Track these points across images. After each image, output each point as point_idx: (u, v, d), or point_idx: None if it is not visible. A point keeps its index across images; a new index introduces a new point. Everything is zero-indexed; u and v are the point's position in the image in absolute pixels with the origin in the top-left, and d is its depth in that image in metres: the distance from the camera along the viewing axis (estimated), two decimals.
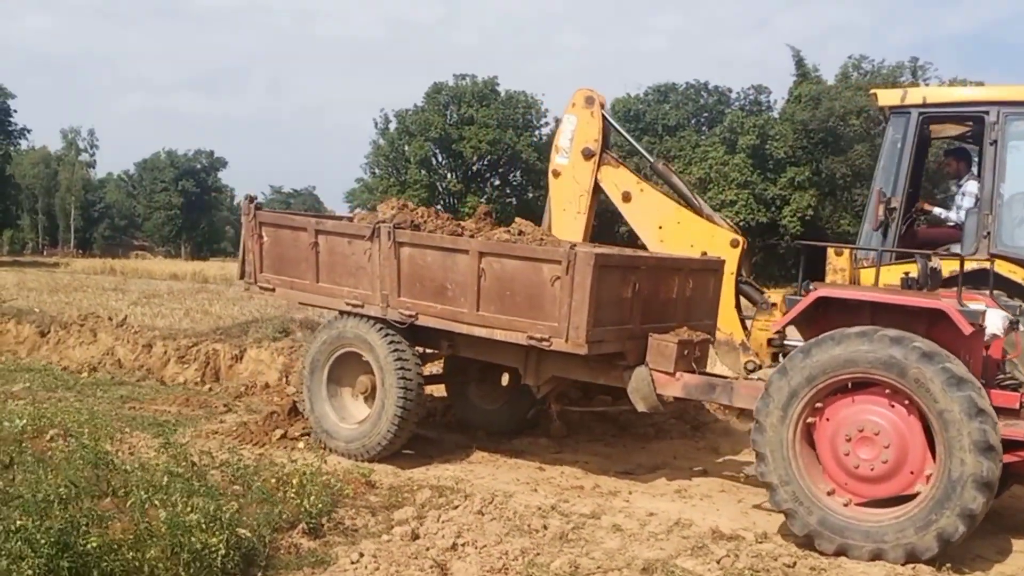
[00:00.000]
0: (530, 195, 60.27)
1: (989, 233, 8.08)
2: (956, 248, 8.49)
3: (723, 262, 8.35)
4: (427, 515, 6.16)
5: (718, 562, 5.55)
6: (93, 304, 18.75)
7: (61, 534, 4.55)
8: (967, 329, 5.58)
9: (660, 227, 8.90)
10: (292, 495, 5.81)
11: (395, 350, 7.66)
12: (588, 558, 5.56)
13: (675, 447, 8.91)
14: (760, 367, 8.10)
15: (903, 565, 5.55)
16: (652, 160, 9.48)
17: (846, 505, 5.85)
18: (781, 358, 6.52)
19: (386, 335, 7.71)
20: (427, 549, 5.51)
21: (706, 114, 64.53)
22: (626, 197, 8.99)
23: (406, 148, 59.75)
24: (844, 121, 48.28)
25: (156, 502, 5.31)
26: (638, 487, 7.47)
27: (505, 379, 9.02)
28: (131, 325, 13.77)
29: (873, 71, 52.40)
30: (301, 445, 8.18)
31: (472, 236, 7.44)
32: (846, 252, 8.06)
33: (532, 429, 9.09)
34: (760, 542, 6.05)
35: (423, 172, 58.29)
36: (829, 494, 5.91)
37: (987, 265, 7.45)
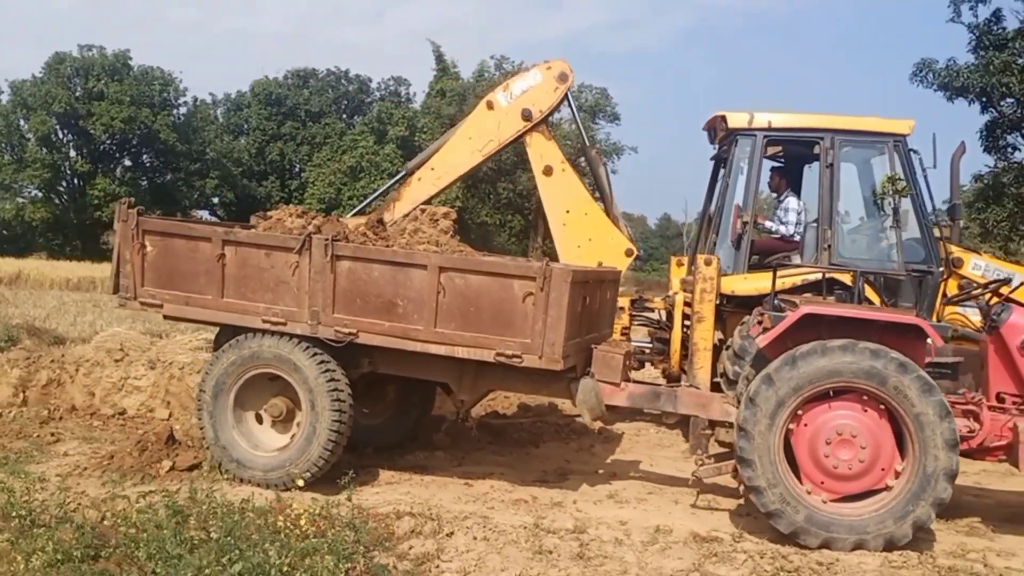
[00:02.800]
0: (167, 177, 56.87)
1: (829, 246, 9.17)
2: (796, 259, 9.54)
3: (620, 273, 8.71)
4: (445, 547, 5.91)
5: (744, 565, 5.93)
6: None
7: None
8: (940, 341, 6.41)
9: (567, 211, 9.10)
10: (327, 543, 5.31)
11: (326, 370, 7.18)
12: None
13: (559, 451, 9.16)
14: None
15: (881, 552, 6.28)
16: (588, 145, 9.56)
17: (824, 503, 6.47)
18: None
19: (314, 355, 7.19)
20: None
21: (346, 102, 64.66)
22: (547, 171, 9.09)
23: (23, 123, 53.86)
24: None
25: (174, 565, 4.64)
26: (571, 496, 7.60)
27: (390, 393, 8.75)
28: None
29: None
30: (195, 476, 7.41)
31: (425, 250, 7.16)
32: (714, 261, 8.82)
33: (412, 442, 8.89)
34: (738, 541, 6.51)
35: (44, 150, 52.75)
36: (808, 493, 6.49)
37: (833, 275, 8.46)
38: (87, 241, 51.39)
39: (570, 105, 9.59)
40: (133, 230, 7.43)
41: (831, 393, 6.47)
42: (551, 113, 9.23)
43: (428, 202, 9.16)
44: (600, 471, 8.48)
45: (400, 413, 8.80)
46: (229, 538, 5.06)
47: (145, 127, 52.68)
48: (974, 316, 8.83)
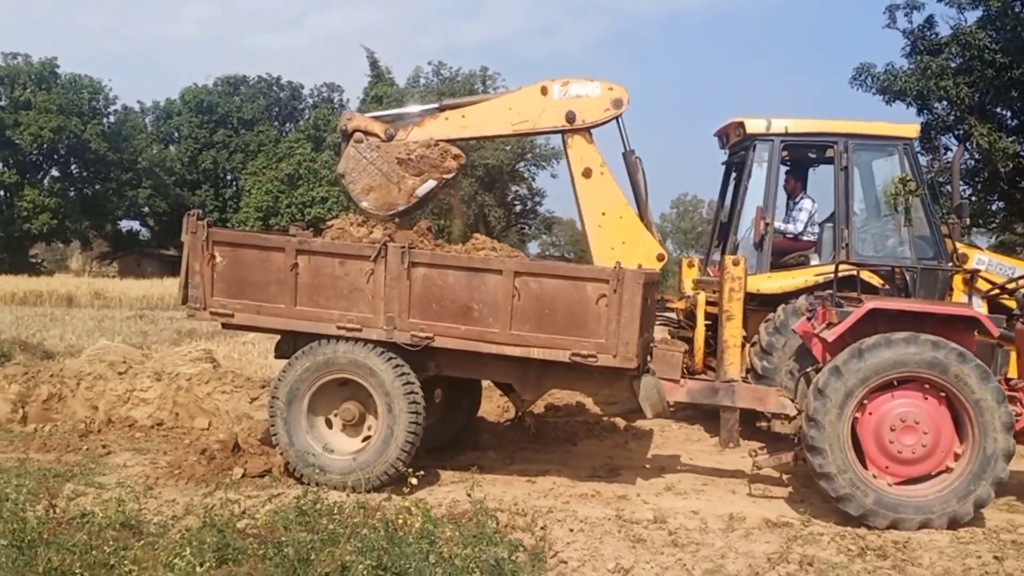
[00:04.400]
0: (97, 187, 55.65)
1: (847, 245, 9.67)
2: (814, 258, 10.02)
3: (658, 276, 9.06)
4: (546, 539, 6.15)
5: (830, 545, 6.31)
6: None
7: None
8: (995, 332, 6.91)
9: (604, 214, 9.35)
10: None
11: (402, 374, 7.38)
12: (732, 561, 6.00)
13: (597, 448, 9.47)
14: None
15: (946, 530, 6.73)
16: (629, 150, 9.76)
17: (890, 486, 6.91)
18: None
19: (390, 359, 7.38)
20: None
21: (278, 109, 64.16)
22: (587, 173, 9.30)
23: None
24: None
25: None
26: (631, 489, 7.91)
27: (438, 395, 8.94)
28: None
29: (451, 77, 55.45)
30: (267, 481, 7.54)
31: (507, 256, 7.40)
32: (742, 261, 9.23)
33: (458, 444, 9.11)
34: (807, 525, 6.90)
35: None
36: (874, 477, 6.92)
37: (851, 272, 8.93)
38: (15, 254, 49.99)
39: (620, 130, 9.76)
40: (203, 242, 7.51)
41: (895, 383, 6.91)
42: (593, 127, 9.47)
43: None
44: (647, 466, 8.81)
45: (449, 415, 9.00)
46: (371, 537, 5.22)
47: (74, 136, 51.58)
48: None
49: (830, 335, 7.04)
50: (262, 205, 50.96)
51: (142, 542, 5.41)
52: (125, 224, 60.41)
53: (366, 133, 8.84)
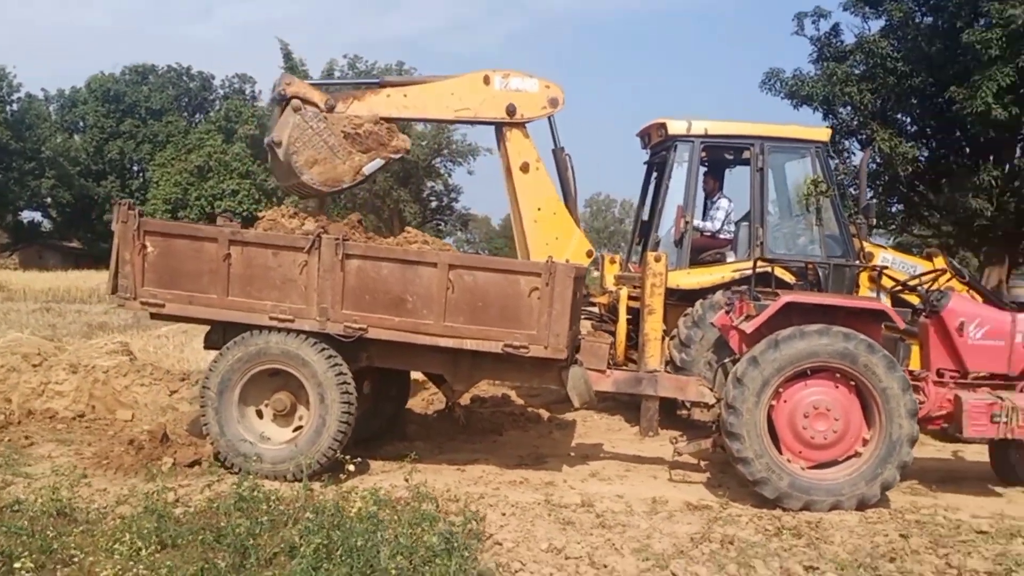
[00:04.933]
0: None
1: (762, 243, 10.09)
2: (730, 255, 10.42)
3: (585, 271, 9.32)
4: (488, 523, 6.34)
5: (749, 525, 6.66)
6: None
7: None
8: (902, 324, 7.34)
9: (539, 209, 9.53)
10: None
11: (335, 364, 7.49)
12: (658, 541, 6.29)
13: (522, 438, 9.70)
14: None
15: (855, 511, 7.14)
16: (560, 146, 9.90)
17: (803, 470, 7.29)
18: None
19: (323, 350, 7.49)
20: (565, 558, 5.81)
21: (188, 99, 62.89)
22: (524, 168, 9.46)
23: None
24: None
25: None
26: (558, 476, 8.17)
27: (367, 387, 9.05)
28: None
29: (367, 71, 55.06)
30: (197, 472, 7.57)
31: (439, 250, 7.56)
32: (663, 258, 9.57)
33: (386, 435, 9.23)
34: (725, 508, 7.25)
35: None
36: (789, 462, 7.29)
37: (766, 268, 9.34)
38: None
39: (552, 127, 9.94)
40: (134, 231, 7.49)
41: (808, 372, 7.29)
42: (530, 122, 9.63)
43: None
44: (572, 454, 9.07)
45: (377, 406, 9.12)
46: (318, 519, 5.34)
47: None
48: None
49: (748, 327, 7.39)
50: (170, 197, 49.84)
51: (81, 528, 5.43)
52: (26, 215, 58.55)
53: (304, 101, 8.74)
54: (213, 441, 7.59)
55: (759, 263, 8.75)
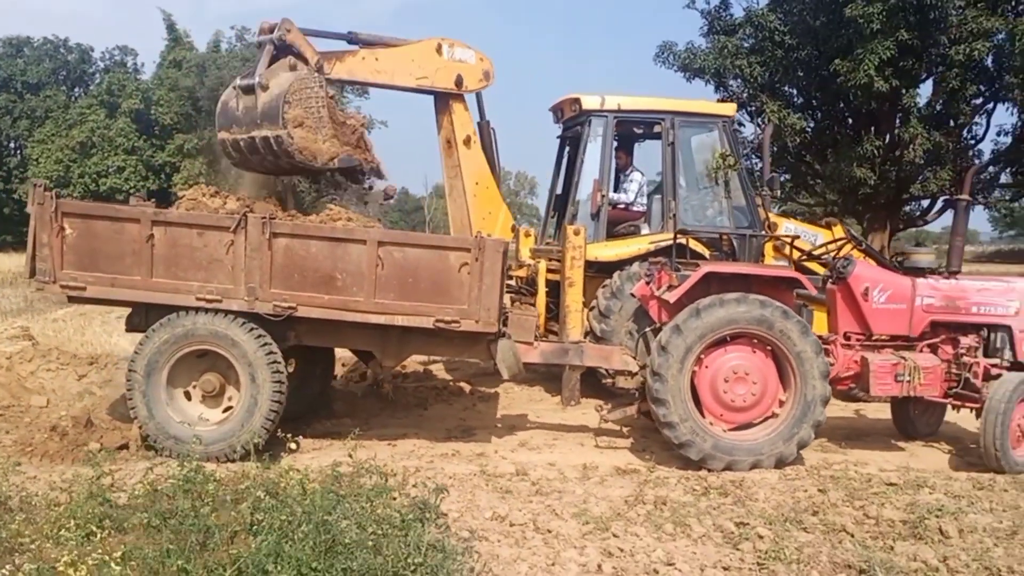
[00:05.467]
0: None
1: (675, 215, 10.40)
2: (644, 227, 10.71)
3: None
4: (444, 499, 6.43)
5: (678, 486, 6.95)
6: None
7: None
8: (813, 291, 7.72)
9: (476, 183, 9.61)
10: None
11: (264, 344, 7.48)
12: (595, 505, 6.51)
13: (448, 412, 9.83)
14: None
15: (774, 469, 7.52)
16: (485, 120, 9.89)
17: (724, 432, 7.63)
18: None
19: (251, 329, 7.46)
20: (510, 524, 5.98)
21: (66, 72, 60.27)
22: (467, 142, 9.54)
23: None
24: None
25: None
26: (488, 447, 8.33)
27: (292, 364, 9.02)
28: None
29: (255, 43, 53.63)
30: (126, 455, 7.47)
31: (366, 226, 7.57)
32: (583, 231, 9.79)
33: (312, 413, 9.23)
34: (652, 471, 7.55)
35: None
36: (711, 425, 7.62)
37: (682, 240, 9.66)
38: None
39: (479, 103, 9.97)
40: (51, 213, 7.30)
41: (727, 339, 7.61)
42: (468, 94, 9.65)
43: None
44: (498, 425, 9.25)
45: (303, 384, 9.09)
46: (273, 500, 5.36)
47: None
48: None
49: (671, 296, 7.65)
50: (52, 175, 47.70)
51: (22, 517, 5.33)
52: None
53: (298, 55, 8.35)
54: (142, 424, 7.49)
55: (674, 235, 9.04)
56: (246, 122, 8.20)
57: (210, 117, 49.40)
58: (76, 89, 58.35)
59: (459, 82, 9.48)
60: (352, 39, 9.26)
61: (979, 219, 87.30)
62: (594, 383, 10.25)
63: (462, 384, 10.91)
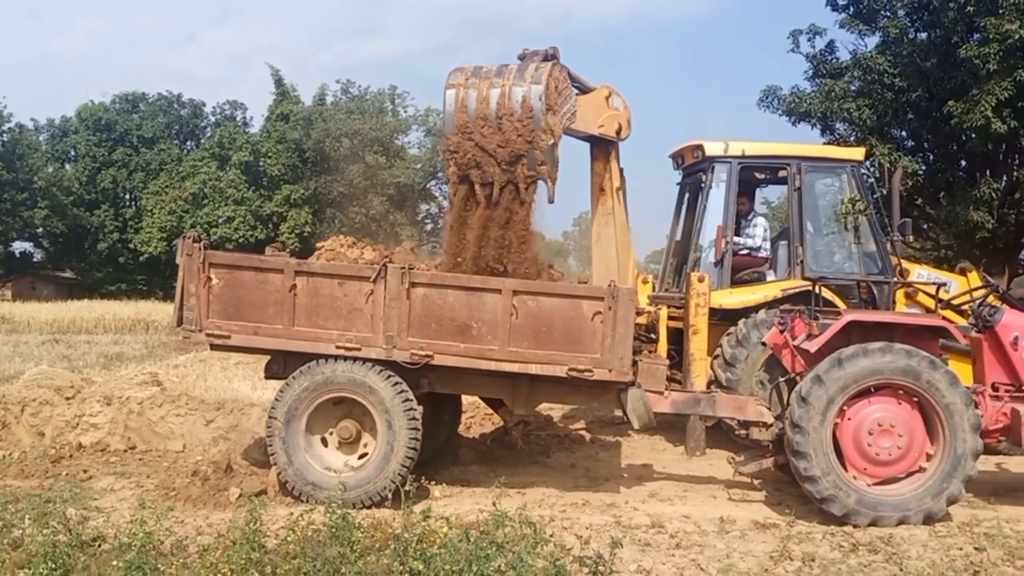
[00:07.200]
0: None
1: (802, 261, 10.21)
2: (769, 274, 10.53)
3: None
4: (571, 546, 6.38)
5: (823, 542, 6.73)
6: None
7: None
8: (963, 340, 7.46)
9: (625, 232, 9.79)
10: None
11: (401, 391, 7.55)
12: (740, 560, 6.35)
13: (570, 459, 9.73)
14: None
15: (922, 526, 7.23)
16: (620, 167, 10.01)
17: (869, 486, 7.38)
18: None
19: (389, 377, 7.55)
20: None
21: (179, 127, 62.89)
22: (619, 190, 9.77)
23: None
24: (338, 142, 50.12)
25: None
26: (618, 498, 8.21)
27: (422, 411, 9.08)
28: None
29: (360, 95, 55.14)
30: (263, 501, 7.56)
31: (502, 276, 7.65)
32: (707, 278, 9.67)
33: (438, 460, 9.26)
34: (792, 526, 7.28)
35: None
36: (854, 479, 7.38)
37: (811, 287, 9.43)
38: None
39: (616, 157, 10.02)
40: (199, 264, 7.54)
41: (872, 389, 7.39)
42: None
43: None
44: (625, 475, 9.13)
45: (432, 431, 9.12)
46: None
47: None
48: None
49: (812, 345, 7.47)
50: (166, 225, 49.81)
51: (180, 561, 5.44)
52: (18, 245, 58.22)
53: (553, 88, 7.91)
54: (280, 470, 7.62)
55: (802, 282, 8.87)
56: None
57: (316, 168, 51.19)
58: (188, 142, 60.85)
59: (619, 130, 9.54)
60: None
61: None
62: (717, 433, 10.07)
63: (583, 432, 10.83)
